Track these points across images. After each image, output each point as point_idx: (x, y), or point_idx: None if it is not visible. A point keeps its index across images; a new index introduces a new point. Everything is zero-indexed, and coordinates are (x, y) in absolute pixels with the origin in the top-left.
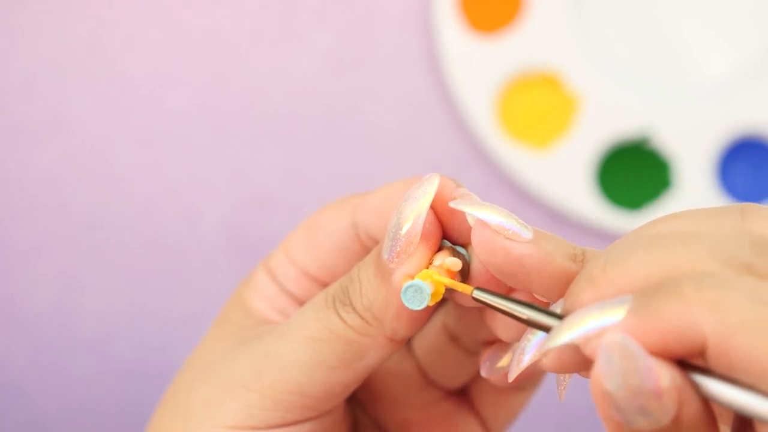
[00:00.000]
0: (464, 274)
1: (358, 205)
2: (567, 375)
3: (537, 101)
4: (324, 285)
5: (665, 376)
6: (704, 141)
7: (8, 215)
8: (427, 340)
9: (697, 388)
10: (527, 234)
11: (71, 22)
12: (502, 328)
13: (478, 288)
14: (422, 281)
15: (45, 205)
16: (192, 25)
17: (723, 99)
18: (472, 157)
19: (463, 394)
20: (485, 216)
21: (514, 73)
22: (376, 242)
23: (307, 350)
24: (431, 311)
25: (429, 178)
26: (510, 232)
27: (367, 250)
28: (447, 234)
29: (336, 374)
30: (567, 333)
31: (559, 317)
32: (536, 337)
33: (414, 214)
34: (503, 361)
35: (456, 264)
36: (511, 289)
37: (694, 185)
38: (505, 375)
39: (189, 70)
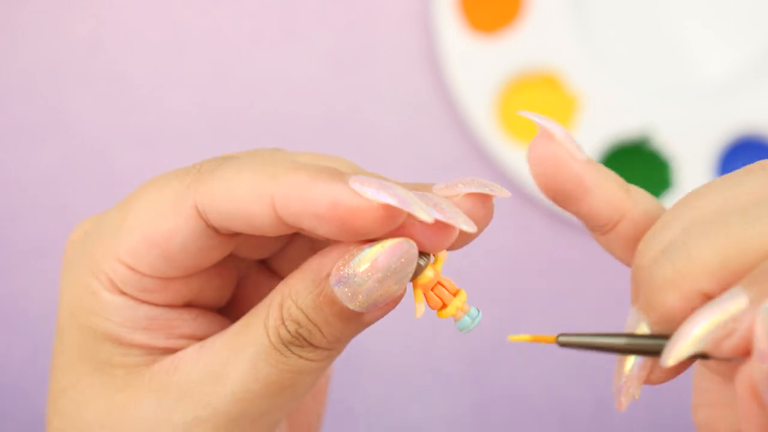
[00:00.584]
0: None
1: (203, 196)
2: (640, 385)
3: (537, 101)
4: (182, 277)
5: None
6: (704, 141)
7: (8, 215)
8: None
9: None
10: (583, 153)
11: (71, 22)
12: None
13: (562, 334)
14: (476, 317)
15: (45, 205)
16: (192, 25)
17: (723, 99)
18: (472, 157)
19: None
20: (552, 127)
21: (514, 73)
22: (233, 231)
23: (276, 396)
24: None
25: (412, 259)
26: (571, 146)
27: (220, 235)
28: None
29: (303, 395)
30: (690, 344)
31: (660, 337)
32: (636, 358)
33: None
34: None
35: (437, 275)
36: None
37: (694, 185)
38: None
39: (189, 70)
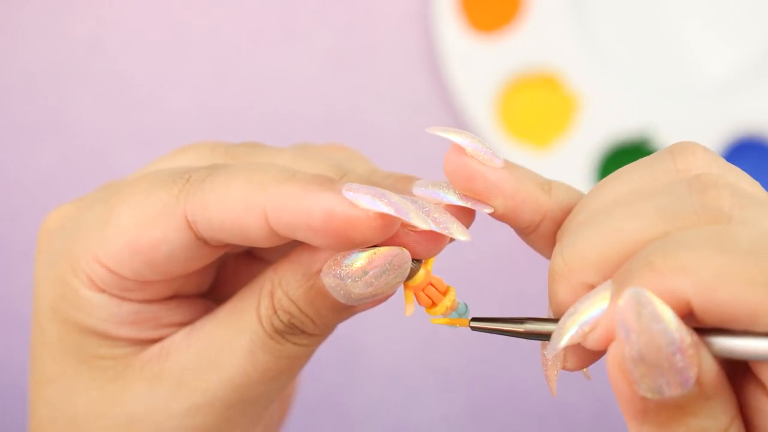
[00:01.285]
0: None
1: (194, 207)
2: (557, 371)
3: (537, 101)
4: (163, 280)
5: (686, 332)
6: (704, 141)
7: (8, 215)
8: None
9: (709, 347)
10: (498, 160)
11: (71, 22)
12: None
13: (474, 318)
14: (464, 313)
15: (45, 205)
16: (192, 25)
17: (723, 99)
18: None
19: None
20: (461, 140)
21: (514, 73)
22: (223, 242)
23: (273, 381)
24: None
25: (403, 267)
26: (483, 157)
27: (209, 245)
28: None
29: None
30: (564, 336)
31: (555, 321)
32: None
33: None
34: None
35: (426, 275)
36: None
37: None
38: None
39: (189, 70)
